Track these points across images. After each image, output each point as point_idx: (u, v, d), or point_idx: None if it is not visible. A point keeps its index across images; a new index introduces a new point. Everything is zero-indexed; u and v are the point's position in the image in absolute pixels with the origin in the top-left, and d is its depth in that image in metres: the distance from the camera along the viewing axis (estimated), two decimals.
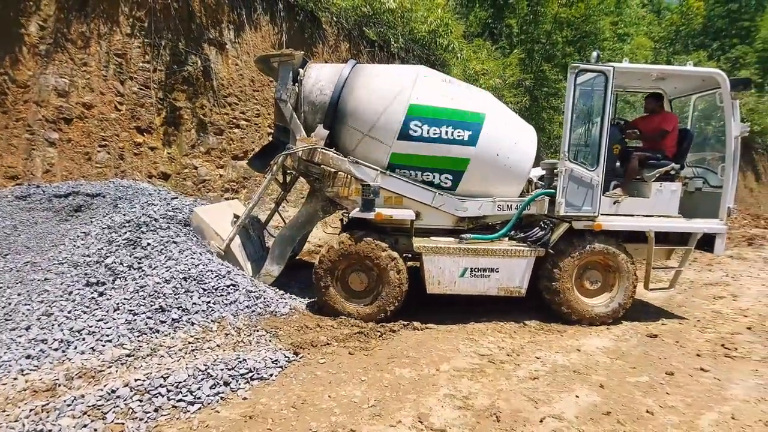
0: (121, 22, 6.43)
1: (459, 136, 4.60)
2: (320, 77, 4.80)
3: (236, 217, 5.03)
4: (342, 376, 3.37)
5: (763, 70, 22.50)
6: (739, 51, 21.58)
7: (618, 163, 4.93)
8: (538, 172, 5.43)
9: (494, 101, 5.09)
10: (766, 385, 3.58)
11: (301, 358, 3.59)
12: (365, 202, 4.44)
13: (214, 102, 7.33)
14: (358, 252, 4.43)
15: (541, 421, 2.89)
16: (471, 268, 4.60)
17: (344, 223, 5.45)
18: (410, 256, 4.87)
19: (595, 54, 4.67)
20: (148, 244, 4.22)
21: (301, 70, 4.85)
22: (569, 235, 4.68)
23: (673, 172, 4.91)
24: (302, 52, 5.05)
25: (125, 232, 4.31)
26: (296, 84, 4.75)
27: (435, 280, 4.60)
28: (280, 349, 3.62)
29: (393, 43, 9.76)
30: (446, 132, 4.59)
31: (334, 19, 8.91)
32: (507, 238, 4.87)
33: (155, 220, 4.51)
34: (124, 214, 4.57)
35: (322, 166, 4.70)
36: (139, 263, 4.04)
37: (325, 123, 4.66)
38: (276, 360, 3.42)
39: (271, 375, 3.27)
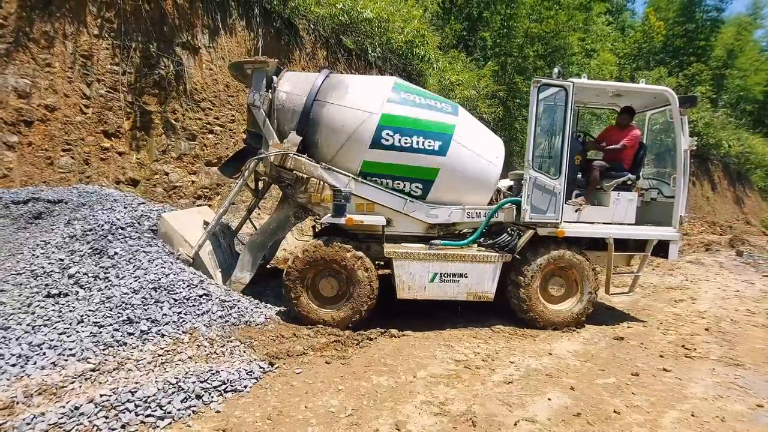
0: (88, 22, 6.21)
1: (429, 146, 4.68)
2: (294, 84, 4.83)
3: (206, 223, 4.92)
4: (319, 385, 3.33)
5: (717, 86, 24.06)
6: (695, 68, 22.96)
7: (579, 174, 5.18)
8: (507, 182, 5.61)
9: (464, 113, 5.21)
10: (722, 383, 3.79)
11: (276, 368, 3.52)
12: (337, 207, 4.46)
13: (187, 106, 7.16)
14: (324, 257, 4.42)
15: (515, 425, 2.95)
16: (440, 273, 4.67)
17: (317, 230, 5.42)
18: (382, 263, 4.89)
19: (556, 69, 4.90)
20: (116, 253, 4.06)
21: (275, 77, 4.85)
22: (534, 241, 4.85)
23: (629, 183, 5.21)
24: (276, 59, 5.05)
25: (90, 241, 4.14)
26: (270, 91, 4.75)
27: (405, 285, 4.64)
28: (255, 359, 3.55)
29: (370, 52, 9.85)
30: (418, 140, 4.66)
31: (312, 26, 8.92)
32: (476, 245, 5.00)
33: (122, 228, 4.35)
34: (88, 222, 4.38)
35: (294, 172, 4.70)
36: (105, 273, 3.87)
37: (298, 129, 4.68)
38: (250, 371, 3.35)
39: (245, 387, 3.19)
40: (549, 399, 3.32)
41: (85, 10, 6.18)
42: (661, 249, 5.18)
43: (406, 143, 4.63)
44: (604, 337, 4.78)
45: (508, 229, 5.06)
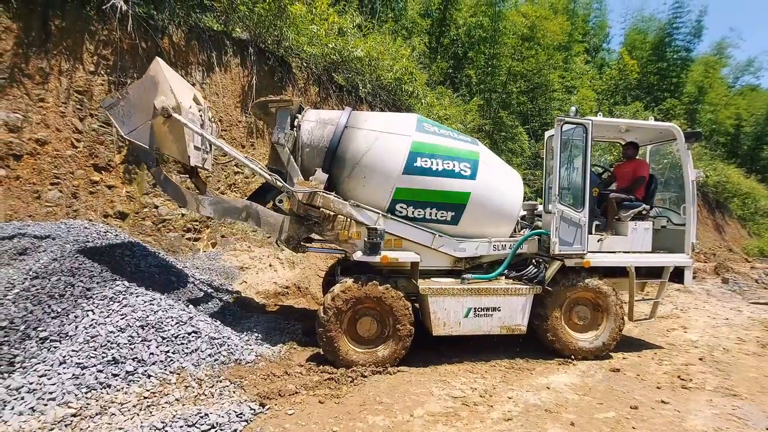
0: (84, 59, 6.32)
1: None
2: (318, 122, 4.88)
3: (196, 101, 4.65)
4: (312, 427, 3.20)
5: (690, 120, 25.20)
6: (668, 104, 24.10)
7: (596, 205, 5.29)
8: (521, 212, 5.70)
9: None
10: (721, 414, 3.75)
11: (267, 409, 3.39)
12: (371, 245, 4.40)
13: None
14: (367, 295, 4.30)
15: None
16: (475, 308, 4.64)
17: (339, 266, 5.29)
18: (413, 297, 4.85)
19: (573, 108, 5.07)
20: (99, 288, 3.95)
21: (298, 116, 4.92)
22: (560, 271, 4.90)
23: (644, 213, 5.35)
24: (300, 98, 5.11)
25: (80, 279, 4.03)
26: (294, 129, 4.79)
27: (441, 321, 4.58)
28: (246, 400, 3.42)
29: (361, 88, 10.17)
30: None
31: (304, 64, 9.21)
32: (503, 277, 5.01)
33: (104, 265, 4.25)
34: (71, 258, 4.27)
35: (322, 209, 4.66)
36: (91, 310, 3.75)
37: (324, 167, 4.70)
38: (241, 413, 3.21)
39: (235, 430, 3.05)
40: None
41: (82, 48, 6.31)
42: (676, 275, 5.29)
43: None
44: (600, 369, 4.73)
45: (533, 261, 5.09)
